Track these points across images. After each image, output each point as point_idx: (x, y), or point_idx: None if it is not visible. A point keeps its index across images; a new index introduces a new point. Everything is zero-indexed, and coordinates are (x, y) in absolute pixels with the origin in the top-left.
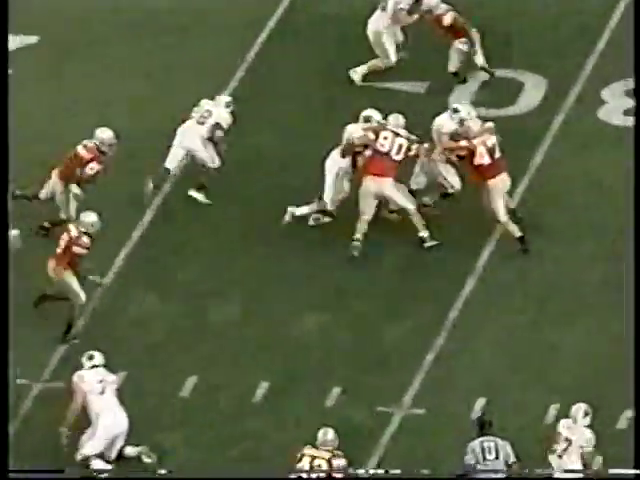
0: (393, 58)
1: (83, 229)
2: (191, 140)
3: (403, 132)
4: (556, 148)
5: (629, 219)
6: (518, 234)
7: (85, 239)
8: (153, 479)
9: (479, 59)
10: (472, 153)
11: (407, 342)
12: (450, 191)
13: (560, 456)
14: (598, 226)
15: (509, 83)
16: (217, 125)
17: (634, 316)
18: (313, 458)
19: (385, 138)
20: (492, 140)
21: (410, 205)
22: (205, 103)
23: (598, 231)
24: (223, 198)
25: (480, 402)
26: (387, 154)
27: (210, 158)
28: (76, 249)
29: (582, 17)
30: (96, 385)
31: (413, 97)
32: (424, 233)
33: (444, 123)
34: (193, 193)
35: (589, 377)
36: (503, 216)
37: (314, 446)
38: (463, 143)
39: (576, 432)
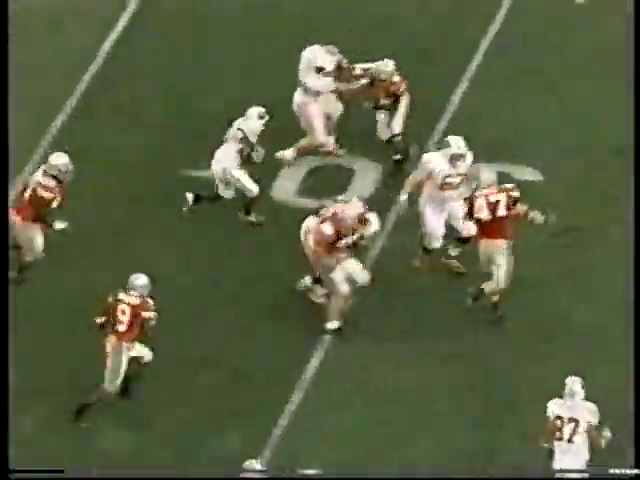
0: (320, 137)
1: (136, 293)
2: (218, 163)
3: (340, 207)
4: (396, 238)
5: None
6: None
7: (149, 300)
8: (164, 479)
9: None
10: (471, 204)
11: (228, 462)
12: (427, 247)
13: (570, 440)
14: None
15: (338, 169)
16: (244, 139)
17: None
18: None
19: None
20: (497, 197)
21: (339, 289)
22: (237, 124)
23: (443, 327)
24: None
25: None
26: None
27: (243, 189)
28: (145, 314)
29: (422, 93)
30: None
31: None
32: (332, 325)
33: (432, 158)
34: (241, 216)
35: None
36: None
37: None
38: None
39: (578, 409)
